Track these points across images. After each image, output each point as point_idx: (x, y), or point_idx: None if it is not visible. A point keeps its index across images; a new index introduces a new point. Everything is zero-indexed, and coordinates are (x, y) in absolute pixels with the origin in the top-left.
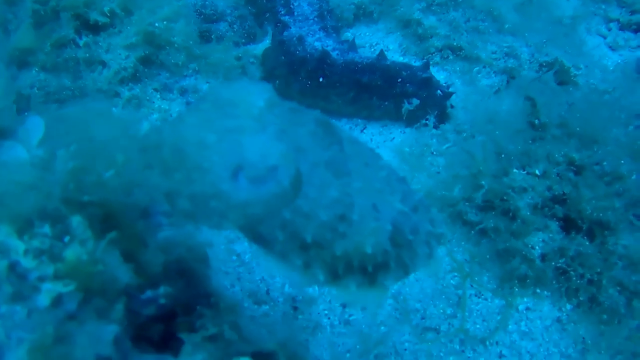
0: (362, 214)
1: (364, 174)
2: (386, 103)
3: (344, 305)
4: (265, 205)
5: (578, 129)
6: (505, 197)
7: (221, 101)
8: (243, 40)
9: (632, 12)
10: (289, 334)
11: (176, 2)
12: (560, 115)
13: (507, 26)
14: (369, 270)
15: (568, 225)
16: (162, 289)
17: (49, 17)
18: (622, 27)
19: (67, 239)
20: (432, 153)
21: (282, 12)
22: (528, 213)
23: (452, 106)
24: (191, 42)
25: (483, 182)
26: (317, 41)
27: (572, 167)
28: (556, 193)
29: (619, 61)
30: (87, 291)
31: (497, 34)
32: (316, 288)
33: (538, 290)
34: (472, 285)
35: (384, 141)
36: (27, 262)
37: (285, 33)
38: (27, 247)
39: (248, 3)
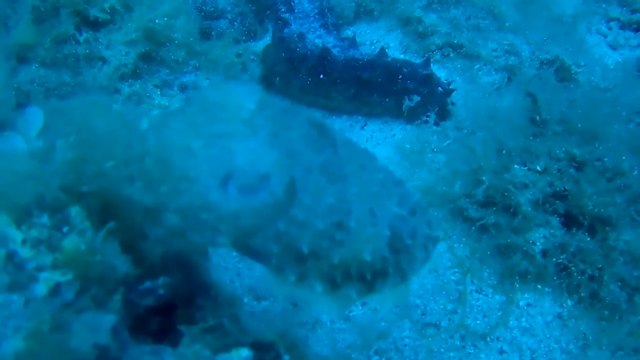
0: (359, 220)
1: (360, 177)
2: (387, 100)
3: None
4: (258, 215)
5: (579, 125)
6: (506, 193)
7: (208, 104)
8: (243, 38)
9: (633, 11)
10: (288, 327)
11: None
12: (562, 111)
13: (507, 24)
14: (368, 278)
15: (569, 221)
16: (161, 280)
17: (48, 13)
18: (623, 26)
19: (65, 229)
20: (433, 150)
21: (283, 10)
22: (529, 209)
23: (452, 103)
24: (191, 39)
25: (484, 178)
26: (318, 38)
27: (573, 163)
28: (557, 189)
29: (619, 60)
30: (85, 281)
31: (497, 32)
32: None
33: (539, 286)
34: (472, 281)
35: (385, 138)
36: (25, 252)
37: (286, 30)
38: (25, 236)
39: (248, 0)
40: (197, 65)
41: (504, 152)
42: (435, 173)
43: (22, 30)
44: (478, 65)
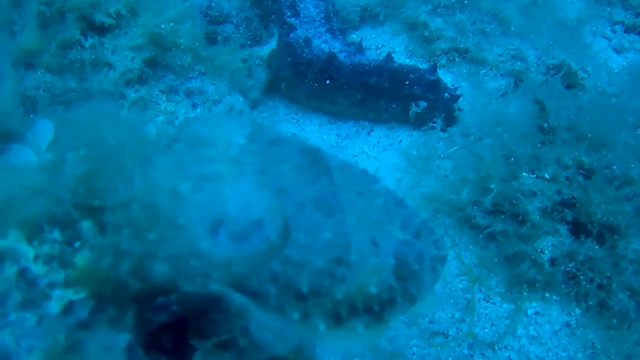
0: (360, 252)
1: (358, 205)
2: (393, 105)
3: None
4: (251, 262)
5: (587, 132)
6: (514, 201)
7: (196, 140)
8: (249, 42)
9: (637, 15)
10: (298, 338)
11: (182, 3)
12: (569, 118)
13: (513, 28)
14: (375, 310)
15: (577, 229)
16: (173, 296)
17: (54, 18)
18: (627, 30)
19: (77, 244)
20: (440, 156)
21: (288, 14)
22: (537, 217)
23: (459, 109)
24: (197, 44)
25: (492, 186)
26: (324, 43)
27: (581, 171)
28: (565, 197)
29: (624, 64)
30: (98, 298)
31: (503, 37)
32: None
33: (547, 295)
34: (480, 289)
35: (391, 144)
36: (37, 268)
37: (292, 35)
38: (37, 252)
39: (253, 5)
40: (202, 70)
41: (512, 159)
42: (442, 180)
43: (27, 36)
44: (484, 70)
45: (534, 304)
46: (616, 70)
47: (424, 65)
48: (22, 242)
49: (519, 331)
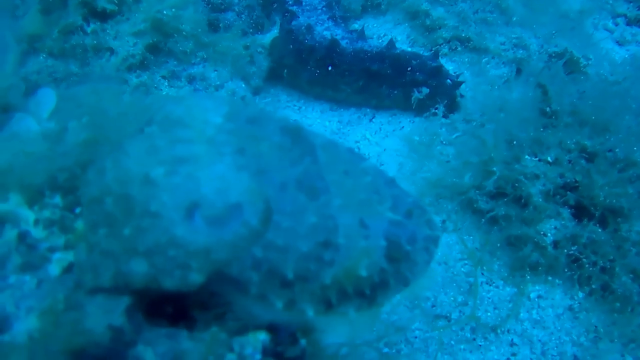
0: (348, 234)
1: (344, 185)
2: (395, 92)
3: None
4: (231, 248)
5: (590, 116)
6: (517, 184)
7: (171, 121)
8: (251, 30)
9: None
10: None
11: None
12: (572, 103)
13: (515, 18)
14: (367, 293)
15: (580, 212)
16: None
17: (56, 3)
18: (629, 22)
19: (78, 210)
20: (442, 142)
21: (290, 2)
22: (540, 200)
23: (461, 95)
24: (199, 30)
25: (494, 169)
26: (326, 30)
27: (584, 154)
28: (568, 180)
29: (626, 56)
30: None
31: (505, 26)
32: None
33: (550, 278)
34: (483, 273)
35: (393, 130)
36: (37, 233)
37: (294, 22)
38: (38, 217)
39: None
40: (204, 56)
41: (514, 143)
42: (445, 165)
43: (30, 21)
44: (486, 59)
45: (537, 288)
46: (619, 62)
47: (426, 54)
48: (23, 207)
49: (521, 315)
